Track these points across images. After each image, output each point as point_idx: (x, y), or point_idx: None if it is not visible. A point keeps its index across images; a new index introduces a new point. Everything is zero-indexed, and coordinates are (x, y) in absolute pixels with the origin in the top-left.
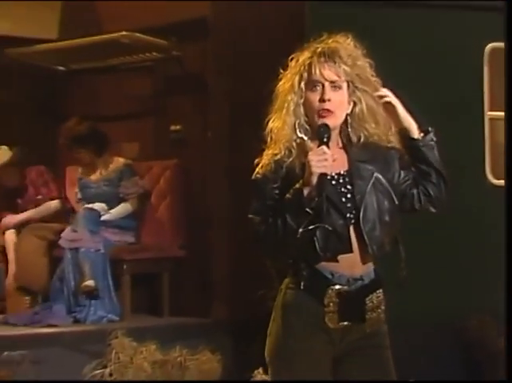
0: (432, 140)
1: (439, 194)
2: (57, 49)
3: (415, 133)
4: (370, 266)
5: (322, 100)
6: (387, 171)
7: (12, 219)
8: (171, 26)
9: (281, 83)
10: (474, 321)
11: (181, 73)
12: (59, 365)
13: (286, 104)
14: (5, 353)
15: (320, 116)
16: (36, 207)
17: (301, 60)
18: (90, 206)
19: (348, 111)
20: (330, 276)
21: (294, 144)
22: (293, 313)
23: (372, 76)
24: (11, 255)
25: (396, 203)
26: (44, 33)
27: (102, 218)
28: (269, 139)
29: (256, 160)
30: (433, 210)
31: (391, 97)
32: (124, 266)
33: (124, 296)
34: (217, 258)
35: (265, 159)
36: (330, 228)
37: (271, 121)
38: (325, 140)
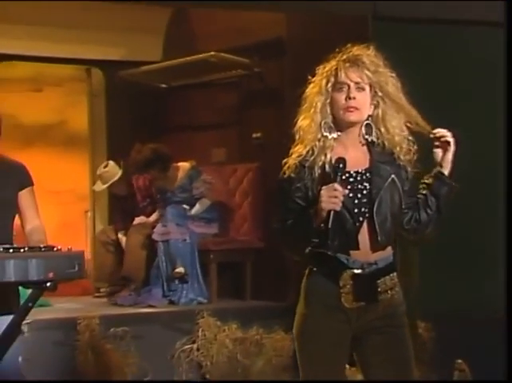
0: (454, 186)
1: (426, 228)
2: (160, 69)
3: (447, 172)
4: (388, 251)
5: (348, 98)
6: (401, 178)
7: (143, 219)
8: (252, 46)
9: (309, 87)
10: None
11: (262, 87)
12: (155, 340)
13: (314, 104)
14: (112, 329)
15: (347, 111)
16: (142, 211)
17: (328, 67)
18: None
19: (370, 112)
20: (345, 261)
21: (317, 143)
22: (312, 294)
23: (394, 86)
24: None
25: (403, 206)
26: (150, 56)
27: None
28: (297, 137)
29: (284, 160)
30: (412, 237)
31: (451, 139)
32: (211, 256)
33: (211, 282)
34: None
35: (291, 160)
36: (332, 254)
37: (300, 120)
38: (339, 176)
